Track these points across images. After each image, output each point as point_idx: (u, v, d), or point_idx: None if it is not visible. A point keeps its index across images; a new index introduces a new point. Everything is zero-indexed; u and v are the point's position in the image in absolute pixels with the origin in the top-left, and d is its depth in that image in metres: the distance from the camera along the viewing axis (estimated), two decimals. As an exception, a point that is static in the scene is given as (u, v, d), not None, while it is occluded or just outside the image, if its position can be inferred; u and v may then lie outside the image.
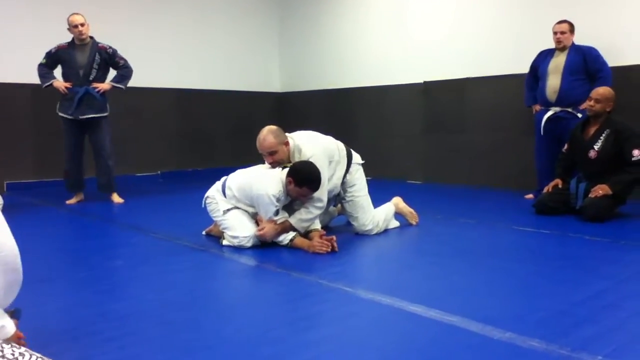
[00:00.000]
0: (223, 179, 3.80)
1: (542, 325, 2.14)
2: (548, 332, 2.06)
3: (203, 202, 3.82)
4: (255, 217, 3.65)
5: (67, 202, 5.54)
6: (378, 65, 7.56)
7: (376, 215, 4.01)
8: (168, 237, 3.91)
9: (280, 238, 3.54)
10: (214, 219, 3.77)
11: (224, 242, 3.64)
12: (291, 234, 3.53)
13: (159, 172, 7.71)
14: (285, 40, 9.00)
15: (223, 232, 3.70)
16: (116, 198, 5.62)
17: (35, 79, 6.36)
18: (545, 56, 5.38)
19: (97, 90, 5.42)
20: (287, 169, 3.53)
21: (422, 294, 2.59)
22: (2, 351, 1.44)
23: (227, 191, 3.68)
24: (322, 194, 3.60)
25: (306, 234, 3.60)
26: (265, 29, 8.92)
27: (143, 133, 7.40)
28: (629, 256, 3.31)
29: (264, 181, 3.49)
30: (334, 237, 3.47)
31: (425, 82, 6.97)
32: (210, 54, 8.21)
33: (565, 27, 5.18)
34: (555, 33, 5.23)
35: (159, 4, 7.64)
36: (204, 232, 3.98)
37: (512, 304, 2.45)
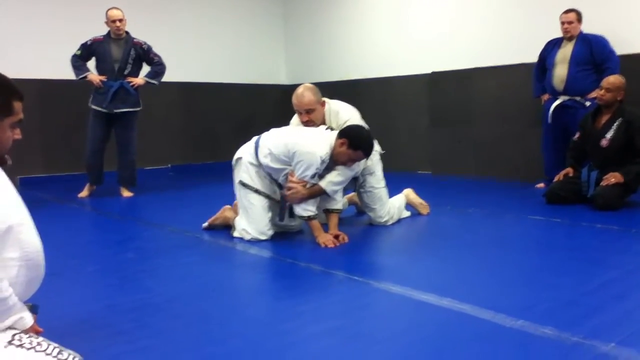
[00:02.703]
0: (255, 138, 3.65)
1: (553, 314, 2.13)
2: (559, 320, 2.06)
3: (233, 162, 3.69)
4: (281, 179, 3.52)
5: (79, 195, 5.55)
6: (384, 57, 7.52)
7: (391, 207, 3.99)
8: (178, 230, 3.92)
9: (302, 206, 3.41)
10: (235, 183, 3.65)
11: (235, 234, 3.62)
12: (313, 211, 3.43)
13: (169, 165, 7.74)
14: (291, 32, 8.98)
15: (233, 223, 3.68)
16: (126, 192, 5.64)
17: (43, 74, 6.43)
18: (552, 46, 5.33)
19: (131, 84, 5.47)
20: (334, 132, 3.44)
21: (433, 283, 2.59)
22: (21, 340, 1.46)
23: (261, 149, 3.51)
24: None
25: (326, 212, 3.55)
26: (271, 21, 8.90)
27: (151, 127, 7.39)
28: (639, 245, 3.28)
29: (315, 141, 3.35)
30: (340, 234, 3.47)
31: (432, 73, 6.93)
32: (216, 48, 8.20)
33: (572, 16, 5.13)
34: (562, 23, 5.17)
35: (163, -1, 7.64)
36: (204, 225, 3.88)
37: (523, 293, 2.44)
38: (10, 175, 1.61)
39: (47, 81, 6.49)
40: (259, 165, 3.54)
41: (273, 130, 3.65)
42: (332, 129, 3.56)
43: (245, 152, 3.62)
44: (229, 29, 8.37)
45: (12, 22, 6.38)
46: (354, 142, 3.32)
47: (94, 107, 5.45)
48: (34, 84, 6.21)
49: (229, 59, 8.34)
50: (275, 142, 3.48)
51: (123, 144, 5.62)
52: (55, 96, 6.61)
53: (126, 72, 5.47)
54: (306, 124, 3.62)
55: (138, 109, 5.59)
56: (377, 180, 3.89)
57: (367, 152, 3.42)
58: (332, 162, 3.43)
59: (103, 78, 5.39)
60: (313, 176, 3.35)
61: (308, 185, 3.37)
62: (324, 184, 3.42)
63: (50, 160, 6.76)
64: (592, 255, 3.08)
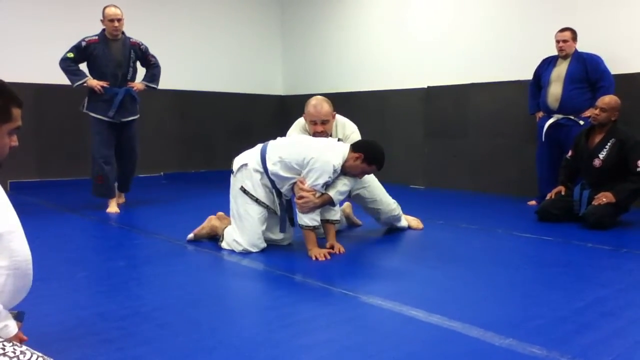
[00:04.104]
0: (259, 145, 3.60)
1: (543, 332, 2.13)
2: (549, 338, 2.05)
3: (235, 168, 3.59)
4: (285, 189, 3.51)
5: (109, 210, 5.03)
6: (380, 70, 7.57)
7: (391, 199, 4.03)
8: (169, 239, 3.90)
9: (310, 216, 3.38)
10: (232, 189, 3.60)
11: (224, 245, 3.60)
12: (318, 221, 3.42)
13: (162, 173, 7.71)
14: (288, 42, 9.02)
15: (221, 233, 3.66)
16: (121, 198, 5.51)
17: (36, 79, 6.40)
18: (547, 64, 5.37)
19: (134, 90, 5.12)
20: (346, 144, 3.46)
21: (422, 299, 2.58)
22: (4, 349, 1.44)
23: (269, 156, 3.46)
24: None
25: (324, 223, 3.54)
26: (268, 31, 8.94)
27: (145, 134, 7.34)
28: (630, 264, 3.29)
29: (330, 150, 3.36)
30: (337, 245, 3.50)
31: (428, 87, 6.97)
32: (213, 56, 8.22)
33: (567, 35, 5.18)
34: (557, 41, 5.22)
35: (160, 6, 7.65)
36: (190, 236, 3.80)
37: (513, 310, 2.44)
38: (1, 179, 1.61)
39: (41, 85, 6.49)
40: (264, 173, 3.50)
41: (281, 139, 3.65)
42: (342, 141, 3.60)
43: (250, 159, 3.55)
44: (226, 37, 8.39)
45: (6, 26, 6.37)
46: (369, 156, 3.36)
47: (96, 116, 5.01)
48: (28, 88, 6.19)
49: (226, 67, 8.36)
50: (288, 150, 3.46)
51: (127, 151, 5.29)
52: (48, 101, 6.60)
53: (129, 76, 5.08)
54: (319, 134, 3.63)
55: (138, 115, 5.29)
56: (371, 177, 3.91)
57: (381, 166, 3.45)
58: (342, 173, 3.45)
59: (104, 84, 4.93)
60: (323, 185, 3.36)
61: (317, 195, 3.37)
62: (332, 193, 3.42)
63: (43, 165, 6.73)
64: (583, 273, 3.09)
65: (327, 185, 3.42)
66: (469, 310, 2.41)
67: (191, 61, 7.93)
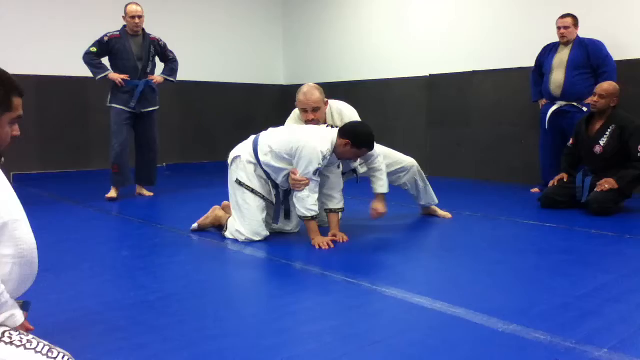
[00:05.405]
0: (252, 137, 3.62)
1: (547, 318, 2.14)
2: (552, 324, 2.06)
3: (229, 161, 3.63)
4: (280, 180, 3.50)
5: (107, 196, 5.21)
6: (382, 59, 7.54)
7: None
8: (173, 229, 3.92)
9: (306, 206, 3.36)
10: (229, 181, 3.62)
11: (227, 235, 3.60)
12: (315, 210, 3.39)
13: (164, 164, 7.71)
14: (290, 32, 8.98)
15: (225, 223, 3.66)
16: (146, 192, 5.53)
17: (39, 71, 6.39)
18: (549, 51, 5.35)
19: (153, 82, 5.34)
20: (335, 130, 3.43)
21: (427, 286, 2.59)
22: (11, 338, 1.45)
23: (260, 147, 3.48)
24: None
25: (327, 212, 3.55)
26: (269, 21, 8.89)
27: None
28: (633, 250, 3.30)
29: (316, 137, 3.34)
30: (340, 234, 3.50)
31: (430, 76, 6.95)
32: (215, 46, 8.19)
33: (568, 21, 5.15)
34: (558, 28, 5.19)
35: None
36: (194, 226, 3.81)
37: (516, 297, 2.45)
38: (5, 171, 1.60)
39: (44, 77, 6.47)
40: (257, 164, 3.51)
41: (272, 129, 3.64)
42: (336, 127, 3.57)
43: (243, 151, 3.57)
44: (228, 27, 8.36)
45: (10, 19, 6.35)
46: (356, 141, 3.34)
47: (118, 107, 5.23)
48: (30, 80, 6.19)
49: (227, 58, 8.33)
50: (276, 139, 3.47)
51: (148, 142, 5.48)
52: (51, 93, 6.60)
53: (148, 70, 5.32)
54: (311, 122, 3.61)
55: (158, 107, 5.48)
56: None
57: (371, 147, 3.44)
58: (336, 159, 3.45)
59: (125, 77, 5.16)
60: (315, 172, 3.33)
61: (312, 184, 3.35)
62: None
63: (46, 157, 6.73)
64: (586, 259, 3.10)
65: (321, 172, 3.40)
66: (473, 296, 2.42)
67: (193, 52, 7.88)
